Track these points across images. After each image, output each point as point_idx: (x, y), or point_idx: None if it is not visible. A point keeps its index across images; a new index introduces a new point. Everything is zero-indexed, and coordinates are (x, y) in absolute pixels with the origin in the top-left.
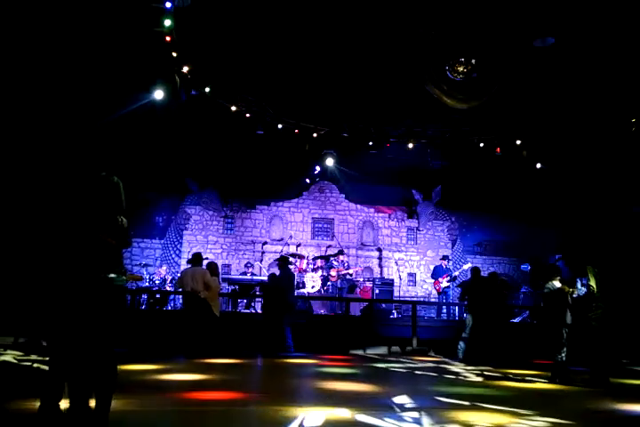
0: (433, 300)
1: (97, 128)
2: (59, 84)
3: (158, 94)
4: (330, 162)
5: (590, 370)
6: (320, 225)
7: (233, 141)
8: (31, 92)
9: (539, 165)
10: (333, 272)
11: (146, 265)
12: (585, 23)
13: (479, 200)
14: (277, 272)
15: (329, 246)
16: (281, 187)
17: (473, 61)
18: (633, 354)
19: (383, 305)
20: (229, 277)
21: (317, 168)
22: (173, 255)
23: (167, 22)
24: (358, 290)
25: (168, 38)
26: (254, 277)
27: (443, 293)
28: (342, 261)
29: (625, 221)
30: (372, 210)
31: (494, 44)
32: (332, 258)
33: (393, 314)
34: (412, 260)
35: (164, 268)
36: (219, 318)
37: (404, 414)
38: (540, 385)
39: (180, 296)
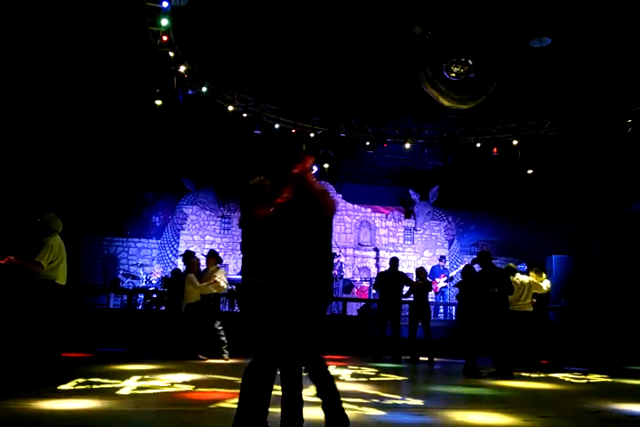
0: (430, 300)
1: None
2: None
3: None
4: (326, 162)
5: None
6: None
7: (230, 141)
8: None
9: (530, 171)
10: None
11: (142, 265)
12: (582, 23)
13: (476, 200)
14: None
15: None
16: None
17: (470, 62)
18: (631, 354)
19: None
20: (227, 277)
21: (315, 168)
22: (170, 255)
23: (164, 22)
24: (355, 290)
25: (165, 38)
26: None
27: (440, 293)
28: (335, 263)
29: (621, 220)
30: (369, 210)
31: (491, 44)
32: None
33: None
34: (409, 260)
35: (157, 266)
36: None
37: (402, 413)
38: (537, 385)
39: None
